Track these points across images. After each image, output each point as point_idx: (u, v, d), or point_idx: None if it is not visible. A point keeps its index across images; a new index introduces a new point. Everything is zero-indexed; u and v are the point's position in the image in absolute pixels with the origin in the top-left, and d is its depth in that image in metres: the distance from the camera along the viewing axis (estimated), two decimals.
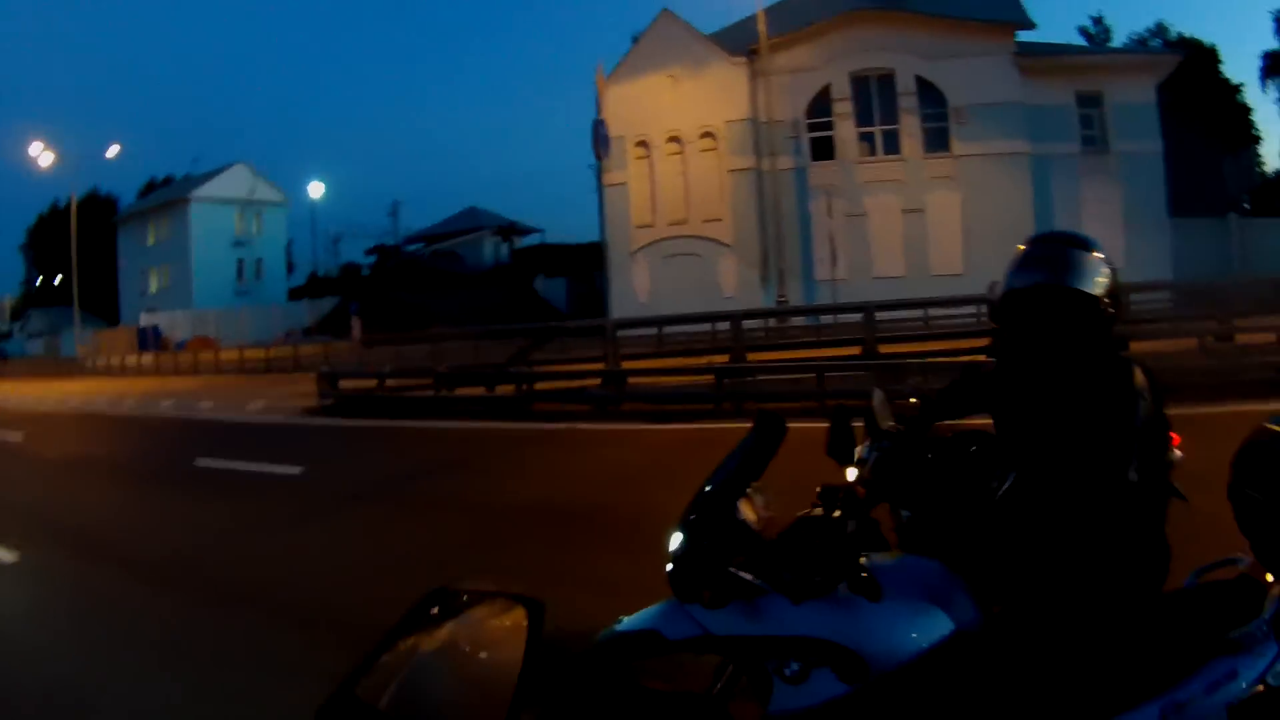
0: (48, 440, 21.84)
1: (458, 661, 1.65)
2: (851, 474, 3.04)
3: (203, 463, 15.13)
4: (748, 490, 2.62)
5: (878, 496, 3.01)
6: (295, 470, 13.47)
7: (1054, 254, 2.71)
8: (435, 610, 1.63)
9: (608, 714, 2.63)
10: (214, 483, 13.67)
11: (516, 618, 1.70)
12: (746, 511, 2.59)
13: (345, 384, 20.85)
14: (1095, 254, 2.69)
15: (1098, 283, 2.64)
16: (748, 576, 2.45)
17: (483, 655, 1.69)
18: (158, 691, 5.66)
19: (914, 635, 2.45)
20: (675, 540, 2.53)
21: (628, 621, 2.62)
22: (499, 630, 1.69)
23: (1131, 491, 2.50)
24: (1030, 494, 2.65)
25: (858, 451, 3.09)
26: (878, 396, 3.34)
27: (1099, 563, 2.49)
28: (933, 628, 2.47)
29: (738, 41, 38.74)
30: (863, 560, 2.49)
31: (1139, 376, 2.60)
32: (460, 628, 1.67)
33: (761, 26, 36.53)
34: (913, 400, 3.37)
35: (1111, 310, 2.66)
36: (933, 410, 3.34)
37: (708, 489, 2.61)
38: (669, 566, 2.51)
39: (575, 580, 6.33)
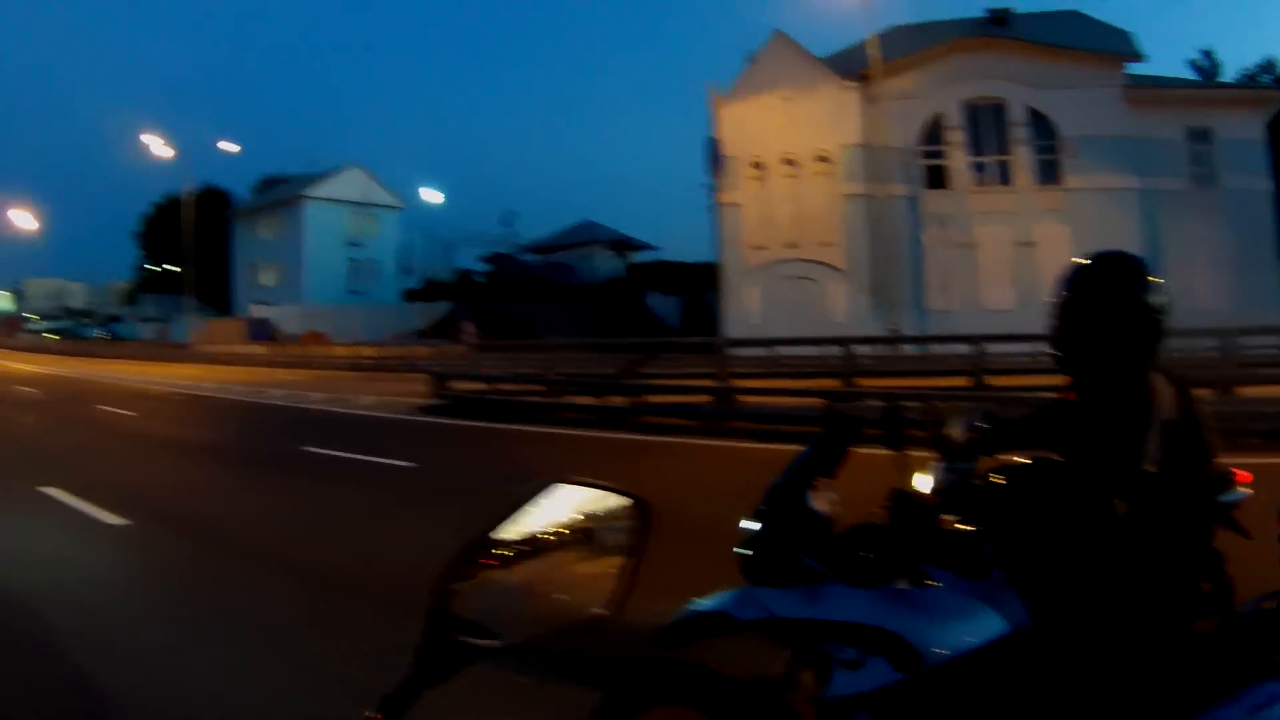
0: (159, 419, 22.75)
1: (563, 555, 1.65)
2: (924, 482, 3.13)
3: (311, 449, 15.81)
4: (818, 485, 2.77)
5: (946, 509, 3.04)
6: (405, 463, 13.86)
7: (1102, 269, 2.86)
8: (543, 499, 1.61)
9: (676, 690, 2.78)
10: (321, 469, 14.23)
11: (624, 514, 1.74)
12: (816, 504, 2.74)
13: (458, 385, 21.18)
14: (1141, 272, 2.81)
15: (1142, 300, 2.76)
16: (813, 563, 2.65)
17: (589, 548, 1.68)
18: (233, 660, 5.95)
19: (967, 631, 2.57)
20: (748, 526, 2.73)
21: (699, 603, 2.79)
22: (606, 524, 1.72)
23: (1152, 484, 2.58)
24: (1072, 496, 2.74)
25: (930, 467, 3.18)
26: (957, 419, 3.39)
27: (1140, 565, 2.60)
28: (985, 627, 2.58)
29: (849, 66, 38.67)
30: (924, 560, 2.68)
31: (1160, 380, 2.71)
32: (568, 520, 1.67)
33: (873, 52, 36.42)
34: (981, 425, 3.39)
35: (1154, 327, 2.77)
36: (1000, 439, 3.36)
37: (779, 480, 2.80)
38: (740, 550, 2.71)
39: (659, 587, 6.42)
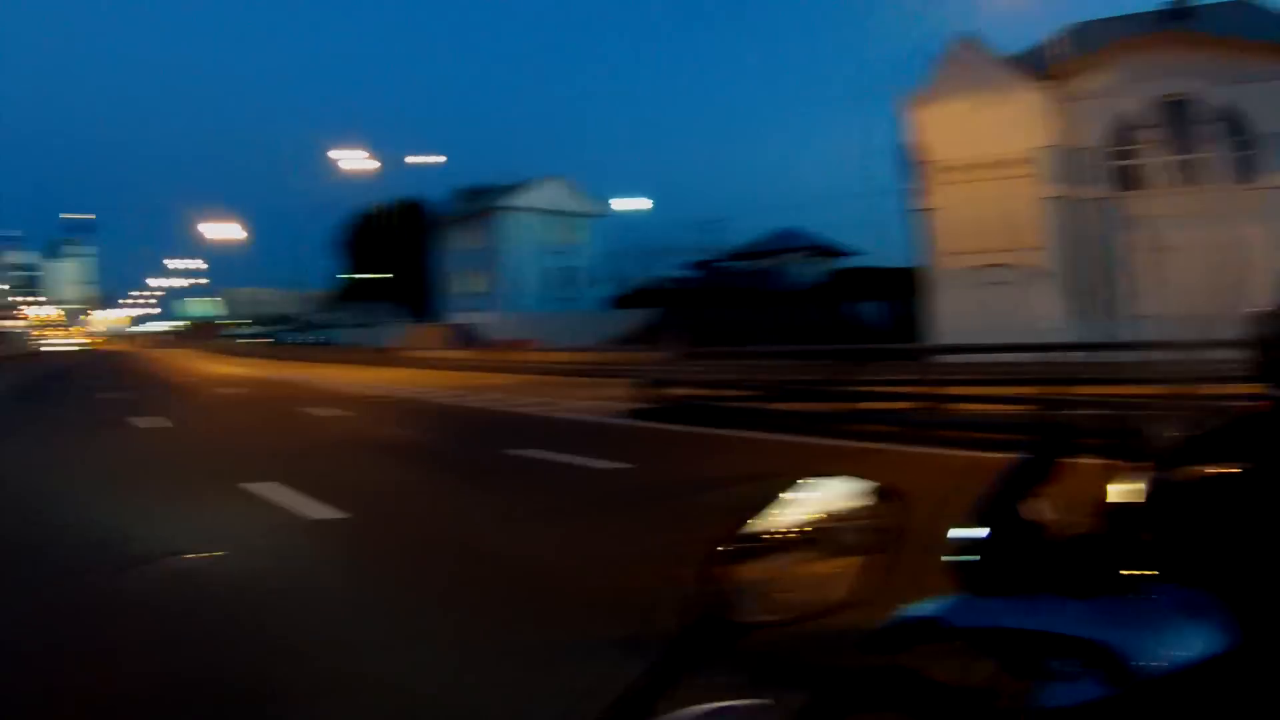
0: (364, 421, 23.86)
1: (810, 548, 1.69)
2: (1132, 492, 2.83)
3: (520, 451, 16.35)
4: (1031, 494, 2.65)
5: (1155, 519, 2.78)
6: (615, 465, 14.31)
7: None
8: (794, 493, 1.66)
9: (885, 696, 2.84)
10: (531, 471, 14.77)
11: (873, 507, 1.81)
12: (1029, 513, 2.63)
13: (666, 390, 21.46)
14: None
15: None
16: (1028, 573, 2.57)
17: (835, 541, 1.73)
18: (453, 650, 6.24)
19: (1181, 647, 2.40)
20: (962, 532, 2.61)
21: (910, 609, 2.58)
22: (853, 518, 1.77)
23: None
24: None
25: (1136, 476, 2.82)
26: (1160, 427, 3.26)
27: None
28: (1199, 644, 2.39)
29: (1034, 66, 37.85)
30: (1135, 573, 2.56)
31: None
32: (817, 513, 1.71)
33: (1059, 51, 35.78)
34: (1184, 433, 3.28)
35: None
36: (1202, 448, 3.22)
37: (993, 487, 2.67)
38: (953, 558, 2.59)
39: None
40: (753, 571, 1.59)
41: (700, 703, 1.44)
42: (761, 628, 1.53)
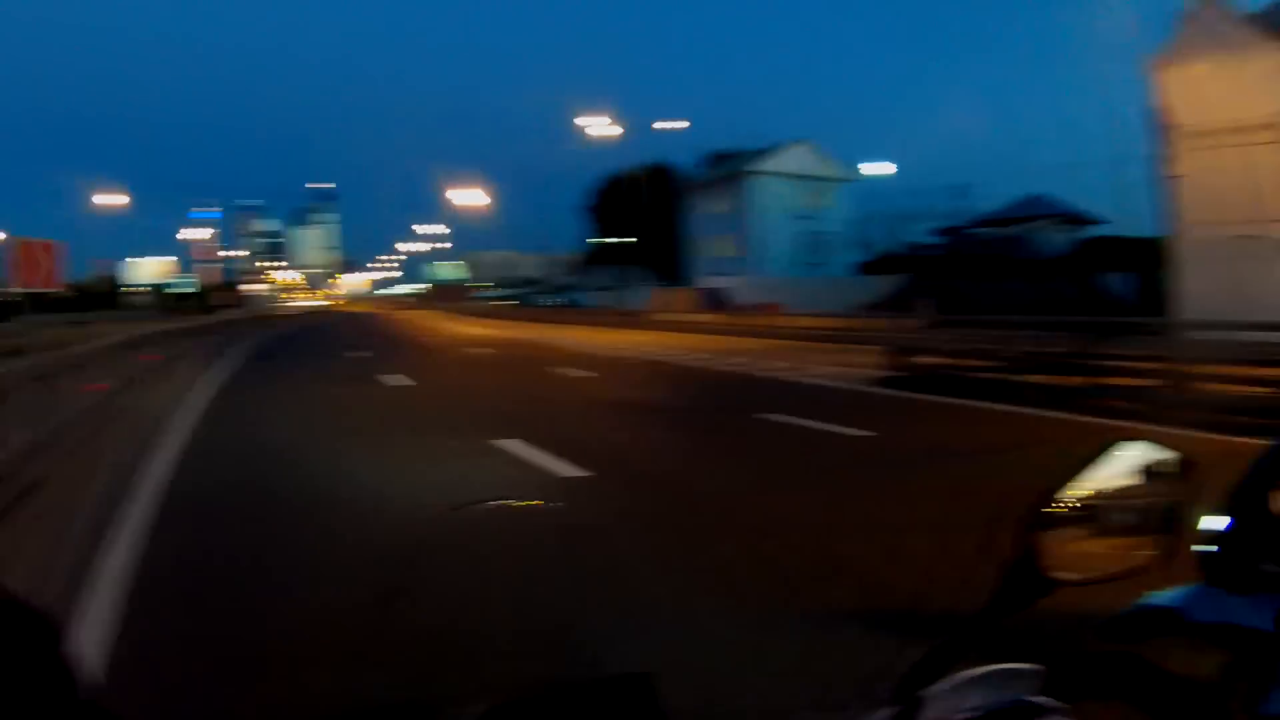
0: (613, 381, 24.41)
1: (1113, 513, 1.69)
2: None
3: (769, 416, 16.42)
4: None
5: None
6: (862, 432, 14.29)
7: None
8: (1106, 459, 1.68)
9: (1118, 684, 2.25)
10: (779, 435, 14.87)
11: (1176, 476, 1.76)
12: None
13: (911, 359, 21.30)
14: None
15: None
16: (1275, 567, 2.30)
17: (1136, 509, 1.72)
18: (689, 617, 6.27)
19: None
20: (1212, 522, 2.30)
21: (1152, 597, 2.35)
22: (1158, 487, 1.75)
23: None
24: None
25: None
26: None
27: None
28: None
29: (1272, 24, 35.85)
30: None
31: None
32: (1124, 481, 1.72)
33: None
34: None
35: None
36: None
37: (1245, 476, 2.77)
38: (1201, 548, 2.31)
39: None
40: (1063, 536, 1.62)
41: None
42: (1067, 585, 1.58)
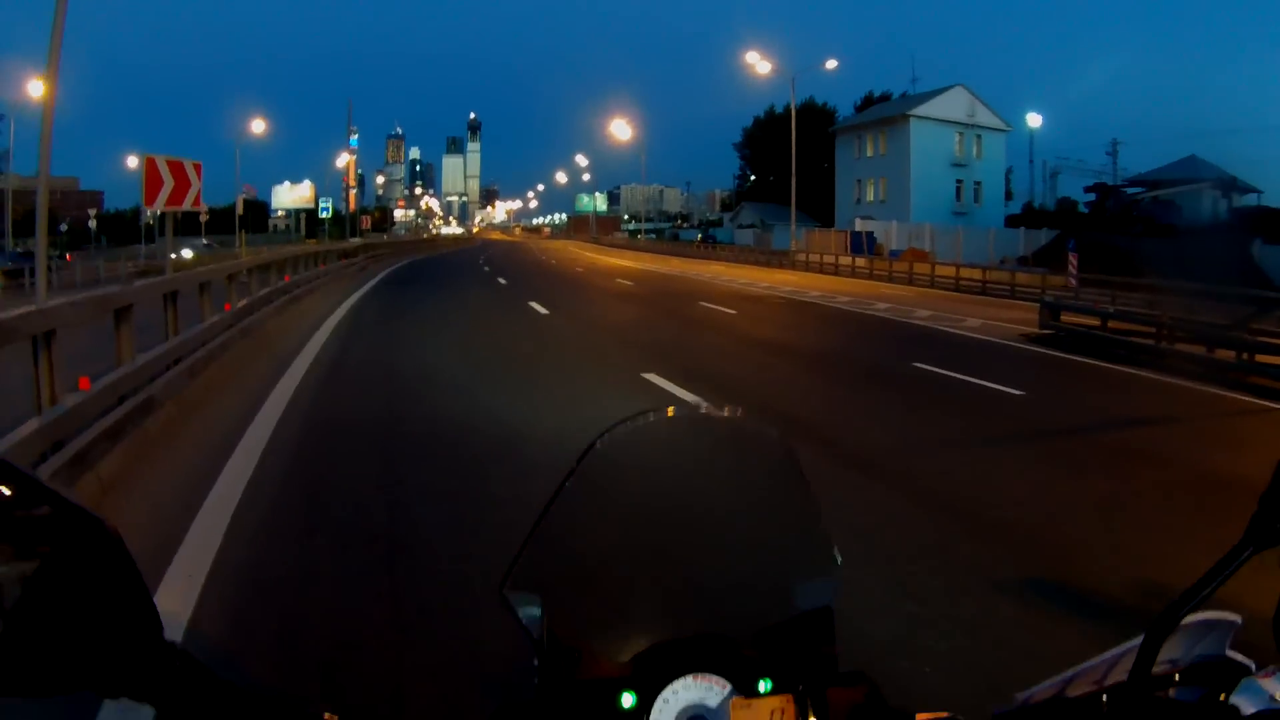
0: (760, 320, 24.40)
1: None
2: None
3: (920, 365, 16.27)
4: None
5: None
6: (1013, 390, 13.86)
7: None
8: None
9: None
10: (929, 387, 14.61)
11: None
12: None
13: (1067, 318, 20.95)
14: None
15: None
16: None
17: None
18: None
19: None
20: None
21: None
22: None
23: None
24: None
25: None
26: None
27: None
28: None
29: None
30: None
31: None
32: None
33: None
34: None
35: None
36: None
37: None
38: None
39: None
40: None
41: None
42: None
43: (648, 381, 13.55)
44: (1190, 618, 1.09)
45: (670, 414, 1.26)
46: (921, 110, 77.54)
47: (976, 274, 39.75)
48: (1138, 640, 1.06)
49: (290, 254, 29.23)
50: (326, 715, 0.94)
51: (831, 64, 66.80)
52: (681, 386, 13.05)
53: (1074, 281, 35.78)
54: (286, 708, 0.91)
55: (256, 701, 0.88)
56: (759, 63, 63.46)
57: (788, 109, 74.24)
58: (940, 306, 29.39)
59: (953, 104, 78.16)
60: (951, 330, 22.88)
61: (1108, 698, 1.11)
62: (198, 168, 17.64)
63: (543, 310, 25.36)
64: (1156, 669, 1.09)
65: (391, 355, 16.67)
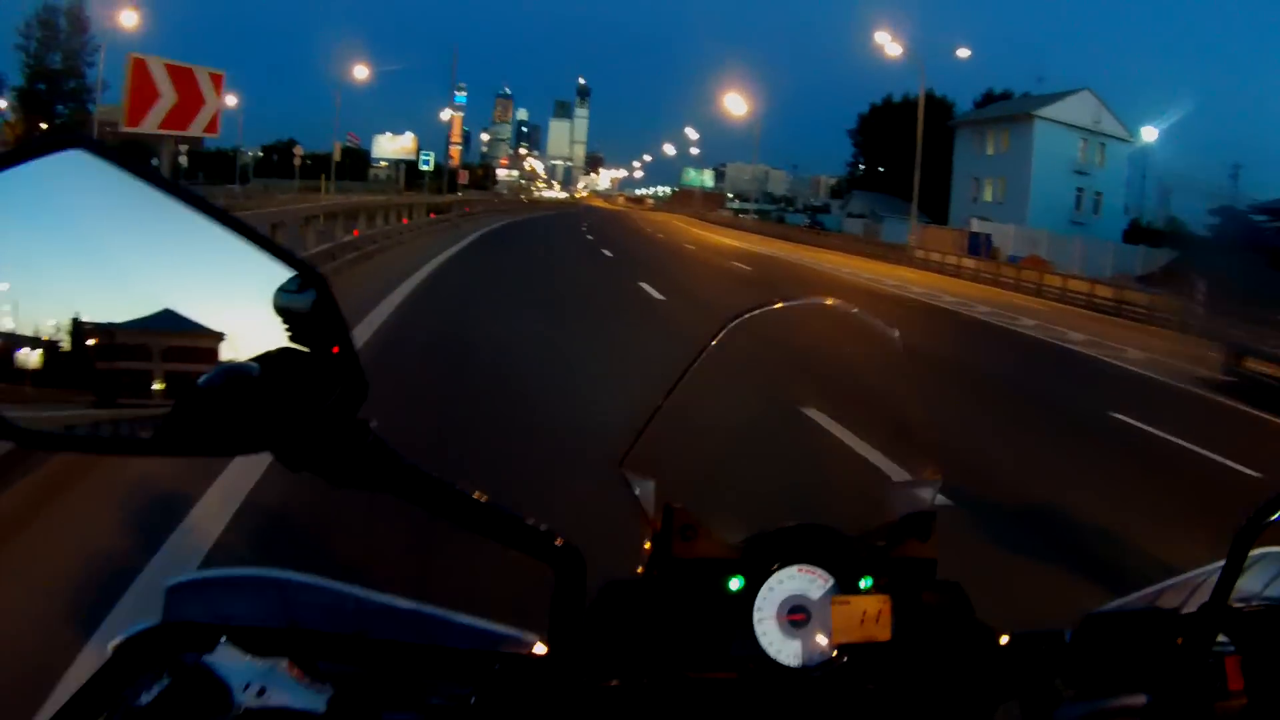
0: (902, 327, 23.28)
1: None
2: None
3: (1120, 417, 13.02)
4: None
5: None
6: (1249, 471, 10.31)
7: None
8: None
9: None
10: (1146, 455, 11.35)
11: None
12: None
13: (1250, 363, 17.95)
14: None
15: None
16: None
17: None
18: None
19: None
20: None
21: None
22: None
23: None
24: None
25: None
26: None
27: None
28: None
29: None
30: None
31: None
32: None
33: None
34: None
35: None
36: None
37: None
38: None
39: None
40: None
41: None
42: None
43: (814, 423, 10.37)
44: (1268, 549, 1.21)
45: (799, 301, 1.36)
46: (1047, 111, 75.95)
47: (1103, 290, 37.94)
48: (1222, 562, 1.13)
49: (359, 204, 27.92)
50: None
51: (964, 52, 66.00)
52: (849, 429, 9.79)
53: (1201, 307, 34.18)
54: (462, 499, 0.96)
55: (435, 487, 0.94)
56: (889, 44, 62.51)
57: (906, 98, 73.26)
58: (1087, 328, 27.73)
59: (1079, 108, 76.52)
60: (1120, 364, 20.44)
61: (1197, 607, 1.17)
62: (217, 79, 14.10)
63: (657, 295, 22.96)
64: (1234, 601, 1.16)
65: (456, 376, 11.98)
